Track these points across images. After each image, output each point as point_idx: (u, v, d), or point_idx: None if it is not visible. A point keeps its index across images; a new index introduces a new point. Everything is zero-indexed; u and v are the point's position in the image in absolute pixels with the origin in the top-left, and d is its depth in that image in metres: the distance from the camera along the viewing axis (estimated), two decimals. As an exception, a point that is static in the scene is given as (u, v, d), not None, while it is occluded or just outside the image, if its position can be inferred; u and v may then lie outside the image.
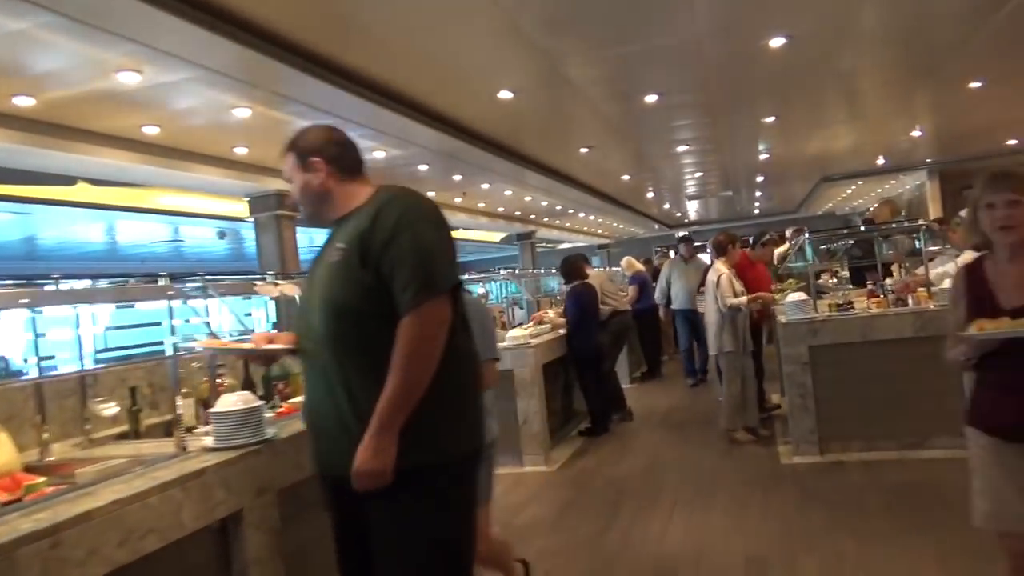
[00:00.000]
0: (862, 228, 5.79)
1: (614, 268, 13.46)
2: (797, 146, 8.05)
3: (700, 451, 6.04)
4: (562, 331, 7.08)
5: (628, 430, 7.29)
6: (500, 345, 6.29)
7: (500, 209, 10.00)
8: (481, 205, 9.42)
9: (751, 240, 6.91)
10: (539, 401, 6.09)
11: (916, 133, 7.43)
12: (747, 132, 6.95)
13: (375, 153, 6.49)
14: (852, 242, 6.99)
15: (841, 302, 5.35)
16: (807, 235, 5.58)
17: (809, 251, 5.57)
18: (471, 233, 12.92)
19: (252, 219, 7.45)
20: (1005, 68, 5.26)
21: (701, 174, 9.39)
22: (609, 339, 7.72)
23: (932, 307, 5.11)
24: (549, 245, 21.88)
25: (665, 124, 6.45)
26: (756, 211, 17.46)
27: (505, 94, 4.97)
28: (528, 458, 6.10)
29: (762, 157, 8.42)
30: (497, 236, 13.23)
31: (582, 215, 11.96)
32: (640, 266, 9.84)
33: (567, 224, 13.85)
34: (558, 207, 10.35)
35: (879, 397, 5.19)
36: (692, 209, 15.50)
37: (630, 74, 4.80)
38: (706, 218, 17.90)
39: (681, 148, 7.42)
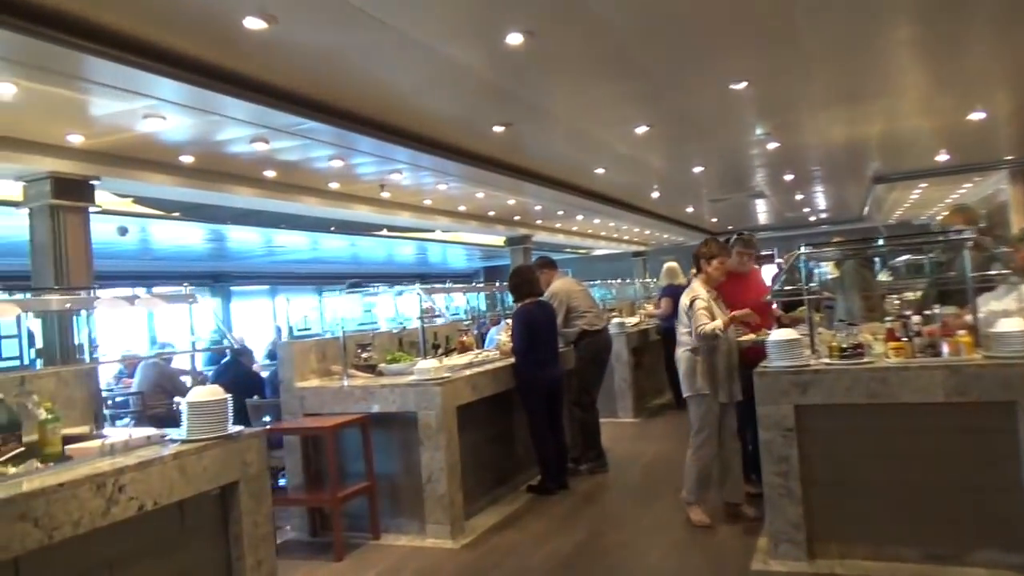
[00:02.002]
0: (879, 242, 4.22)
1: (646, 280, 12.09)
2: (814, 130, 6.46)
3: (657, 532, 4.66)
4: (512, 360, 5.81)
5: (591, 487, 5.96)
6: (402, 381, 5.10)
7: (461, 208, 8.75)
8: (427, 202, 8.18)
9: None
10: (447, 453, 4.82)
11: (978, 115, 5.74)
12: (721, 104, 5.29)
13: (149, 121, 5.27)
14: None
15: (847, 345, 3.86)
16: (802, 250, 4.10)
17: (803, 270, 4.09)
18: (470, 236, 11.74)
19: (27, 208, 6.13)
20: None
21: (701, 169, 7.87)
22: (581, 366, 6.40)
23: (979, 359, 3.59)
24: (581, 252, 20.53)
25: (574, 85, 4.77)
26: (812, 219, 15.65)
27: (256, 23, 3.51)
28: (431, 528, 4.83)
29: (771, 146, 6.87)
30: (500, 240, 12.03)
31: (580, 218, 10.58)
32: (681, 278, 8.42)
33: (574, 228, 12.47)
34: (537, 207, 9.02)
35: (896, 485, 3.72)
36: (753, 214, 13.80)
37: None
38: (762, 225, 16.17)
39: (640, 129, 5.83)
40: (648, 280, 11.70)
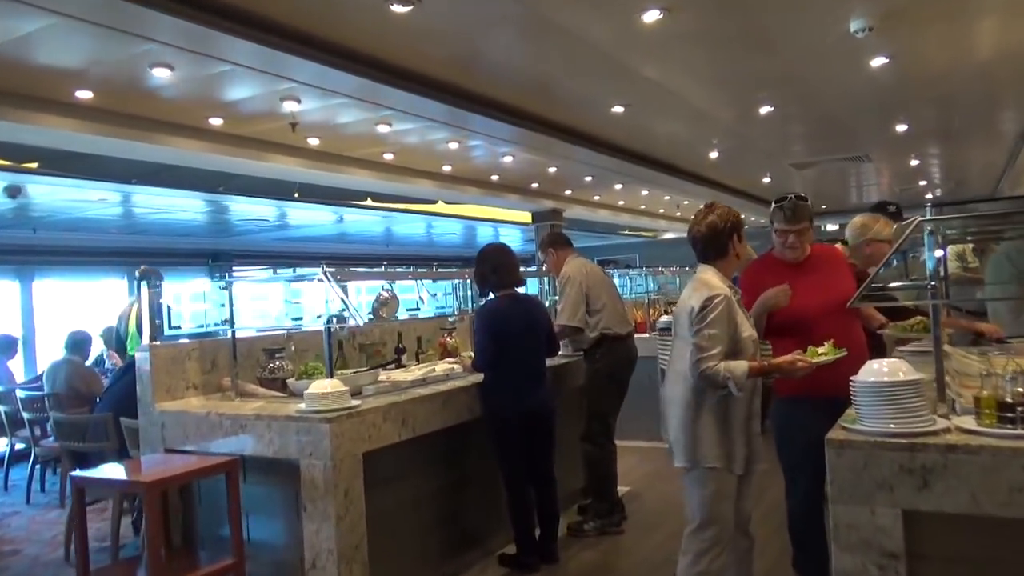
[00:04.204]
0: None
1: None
2: (949, 28, 4.43)
3: None
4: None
5: (591, 560, 4.40)
6: (281, 411, 3.60)
7: (446, 168, 6.91)
8: (388, 156, 6.39)
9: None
10: (342, 527, 3.30)
11: None
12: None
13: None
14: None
15: (1015, 398, 2.08)
16: (927, 215, 2.29)
17: (929, 252, 2.28)
18: (481, 211, 10.09)
19: None
20: None
21: (770, 109, 5.84)
22: (594, 385, 4.81)
23: None
24: (646, 235, 18.58)
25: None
26: (929, 195, 13.19)
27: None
28: (316, 636, 3.30)
29: (877, 62, 4.81)
30: (527, 216, 10.36)
31: (618, 187, 8.66)
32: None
33: (620, 203, 10.55)
34: (551, 168, 7.17)
35: None
36: (855, 188, 11.54)
37: None
38: (869, 203, 13.79)
39: (650, 15, 3.67)
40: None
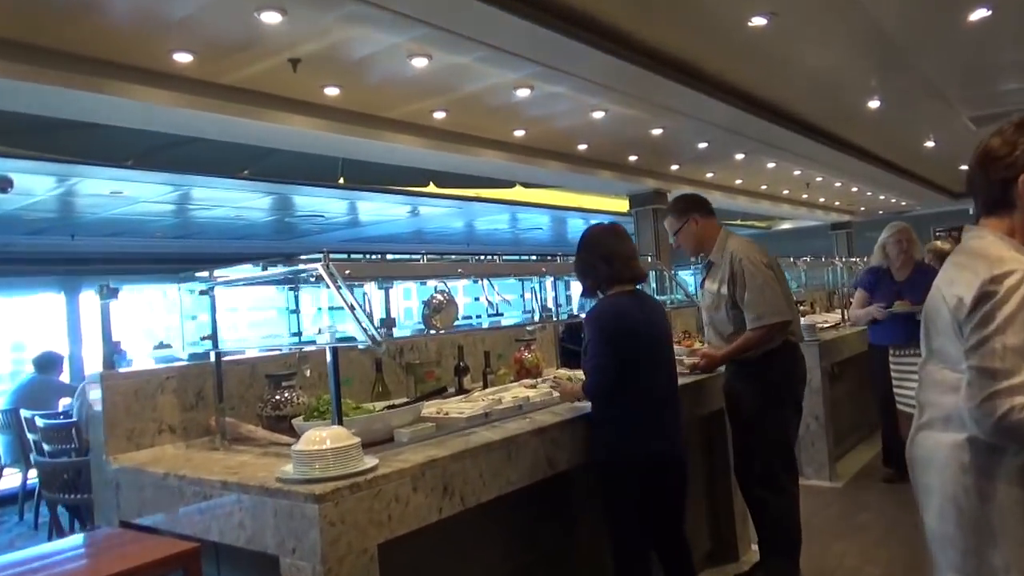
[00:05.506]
0: None
1: (853, 259, 8.62)
2: None
3: None
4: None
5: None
6: (259, 480, 2.44)
7: (518, 133, 5.44)
8: (438, 115, 5.06)
9: None
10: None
11: None
12: None
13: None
14: None
15: None
16: None
17: None
18: (565, 198, 8.75)
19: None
20: None
21: (986, 13, 4.11)
22: (770, 409, 3.62)
23: None
24: (759, 226, 16.81)
25: None
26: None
27: None
28: None
29: None
30: (623, 204, 8.96)
31: (740, 157, 7.04)
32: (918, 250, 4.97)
33: (737, 181, 8.86)
34: (656, 131, 5.63)
35: None
36: None
37: None
38: None
39: None
40: (855, 260, 8.37)
